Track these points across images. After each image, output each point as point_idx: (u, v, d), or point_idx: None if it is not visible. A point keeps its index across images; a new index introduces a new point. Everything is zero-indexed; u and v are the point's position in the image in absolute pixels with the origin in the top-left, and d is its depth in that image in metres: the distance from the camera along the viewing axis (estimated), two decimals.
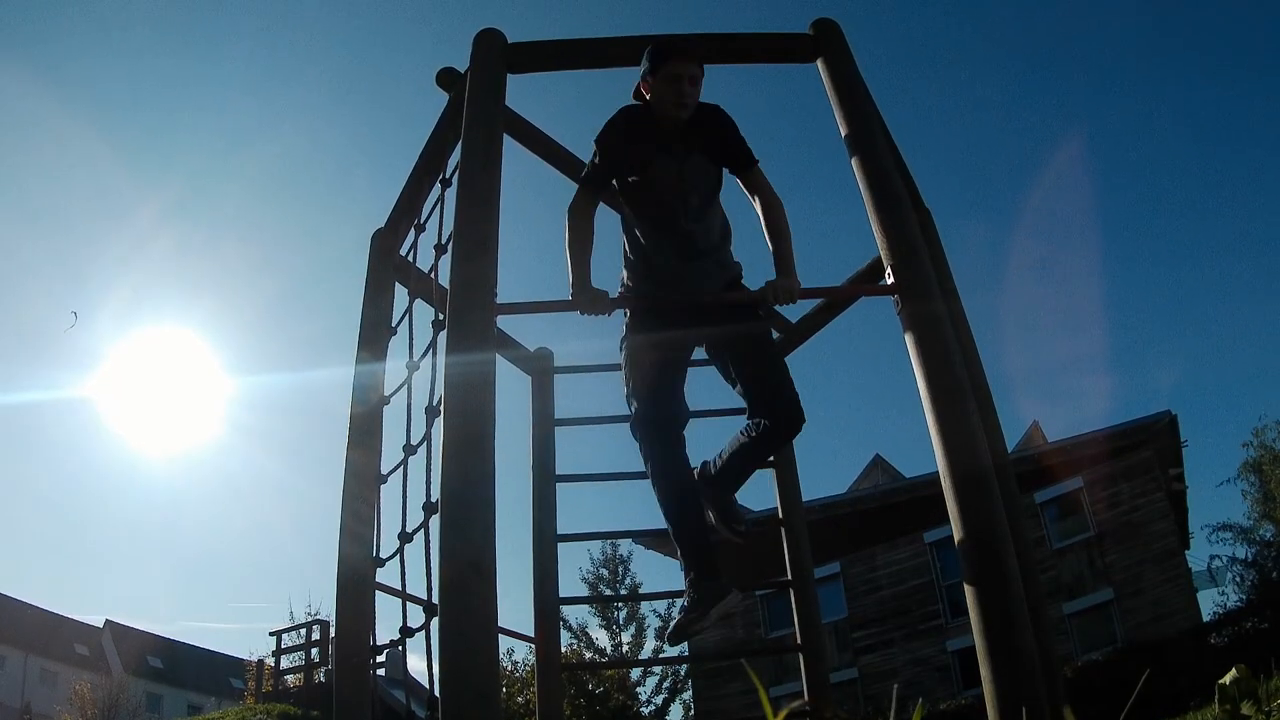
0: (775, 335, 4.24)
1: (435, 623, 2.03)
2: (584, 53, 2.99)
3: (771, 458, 4.01)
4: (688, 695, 24.82)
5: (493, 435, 2.18)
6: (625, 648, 25.23)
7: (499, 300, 2.38)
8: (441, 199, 2.91)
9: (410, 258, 3.23)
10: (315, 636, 18.81)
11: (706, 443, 3.20)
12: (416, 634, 2.56)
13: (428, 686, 2.12)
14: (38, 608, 36.95)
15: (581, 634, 25.49)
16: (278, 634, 19.43)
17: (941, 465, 2.28)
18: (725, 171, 2.91)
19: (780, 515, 4.16)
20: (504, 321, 3.95)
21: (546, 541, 4.22)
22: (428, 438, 2.59)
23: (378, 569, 2.87)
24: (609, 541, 25.63)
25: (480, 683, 1.93)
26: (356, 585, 2.90)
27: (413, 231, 3.18)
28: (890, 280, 2.55)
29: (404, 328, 3.07)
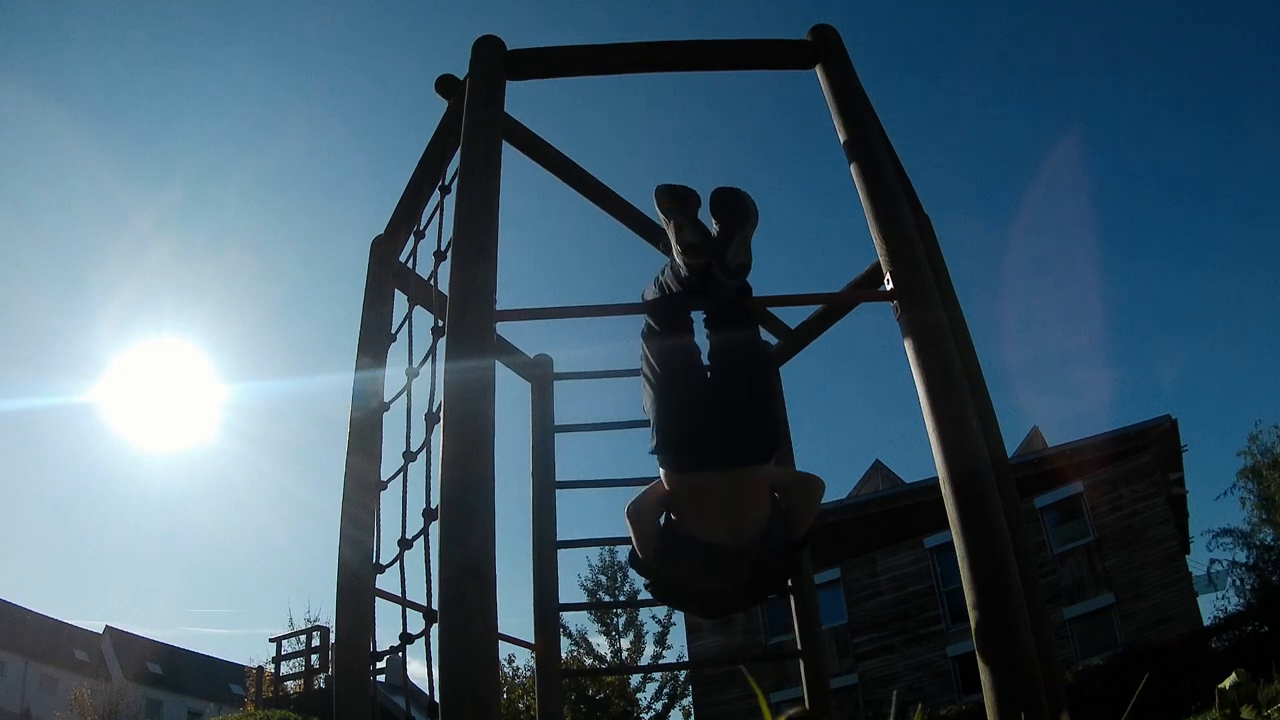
0: (775, 341, 4.25)
1: (435, 629, 2.03)
2: (583, 60, 2.99)
3: None
4: (688, 701, 24.80)
5: (492, 442, 2.18)
6: (624, 654, 25.18)
7: (498, 307, 2.38)
8: (441, 206, 2.92)
9: (410, 265, 3.23)
10: (315, 643, 18.79)
11: None
12: (416, 640, 2.55)
13: (428, 693, 2.12)
14: (38, 613, 36.90)
15: (581, 640, 25.48)
16: (278, 640, 19.40)
17: (941, 470, 2.28)
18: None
19: None
20: (504, 328, 3.96)
21: (546, 548, 4.23)
22: (427, 444, 2.60)
23: (377, 575, 2.87)
24: (607, 548, 25.60)
25: (480, 689, 1.93)
26: (356, 591, 2.90)
27: (412, 238, 3.18)
28: (889, 286, 2.56)
29: (404, 334, 3.07)
